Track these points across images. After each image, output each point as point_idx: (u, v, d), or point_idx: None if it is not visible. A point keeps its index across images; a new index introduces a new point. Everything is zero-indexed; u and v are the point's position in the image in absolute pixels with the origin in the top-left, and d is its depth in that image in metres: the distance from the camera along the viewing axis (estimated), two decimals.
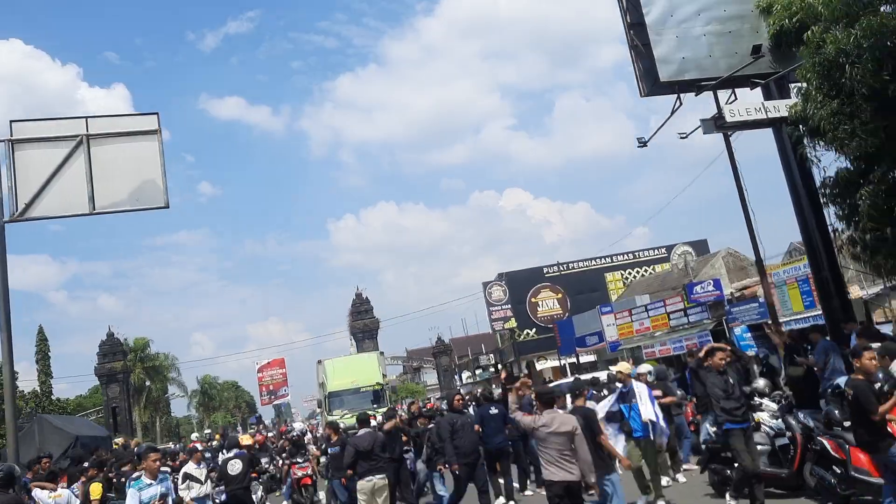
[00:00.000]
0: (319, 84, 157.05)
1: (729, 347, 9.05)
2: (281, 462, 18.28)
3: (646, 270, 54.93)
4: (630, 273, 55.73)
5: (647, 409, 9.02)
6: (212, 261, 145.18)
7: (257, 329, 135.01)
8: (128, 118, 12.89)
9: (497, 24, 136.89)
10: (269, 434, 24.20)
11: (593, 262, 56.67)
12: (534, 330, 53.24)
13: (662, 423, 9.29)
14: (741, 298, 31.20)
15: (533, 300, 54.41)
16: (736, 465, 8.65)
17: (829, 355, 10.67)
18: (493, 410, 10.96)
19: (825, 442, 8.12)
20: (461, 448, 9.88)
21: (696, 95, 14.01)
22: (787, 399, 9.30)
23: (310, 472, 14.03)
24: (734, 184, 15.54)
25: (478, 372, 57.61)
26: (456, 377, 60.76)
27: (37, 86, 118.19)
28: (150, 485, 7.21)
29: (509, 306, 53.43)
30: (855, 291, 23.96)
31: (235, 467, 10.60)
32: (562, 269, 55.31)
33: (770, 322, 15.90)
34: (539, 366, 50.44)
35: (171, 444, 33.12)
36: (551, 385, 21.35)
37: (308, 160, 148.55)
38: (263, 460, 19.23)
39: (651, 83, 13.86)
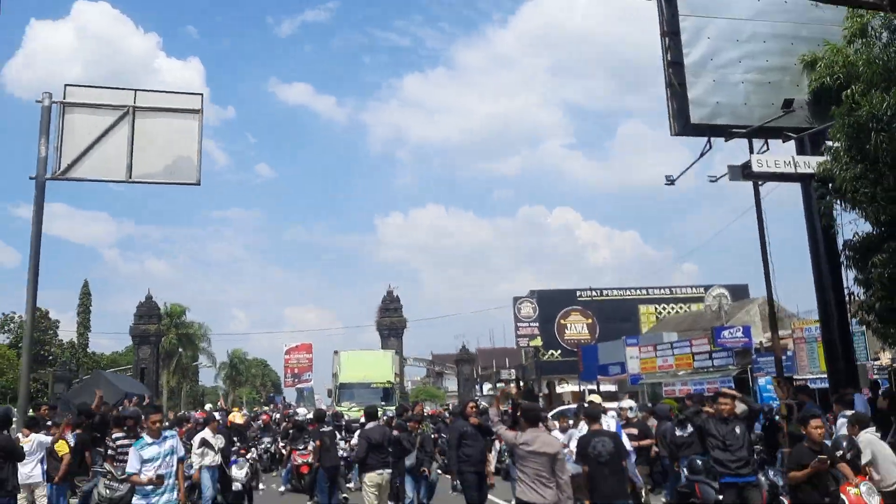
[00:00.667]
0: (387, 80, 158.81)
1: (738, 395, 8.65)
2: (282, 444, 18.61)
3: (681, 308, 54.29)
4: (665, 308, 55.15)
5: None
6: (259, 240, 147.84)
7: (293, 313, 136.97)
8: (173, 95, 13.43)
9: (570, 40, 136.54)
10: (276, 416, 24.73)
11: (628, 292, 56.28)
12: (559, 351, 53.09)
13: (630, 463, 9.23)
14: (770, 349, 30.78)
15: (562, 322, 54.25)
16: None
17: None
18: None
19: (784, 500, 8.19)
20: (471, 456, 9.78)
21: (725, 141, 14.07)
22: (759, 455, 9.32)
23: (310, 459, 13.90)
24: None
25: (499, 385, 57.66)
26: (477, 387, 60.83)
27: (120, 50, 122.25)
28: (152, 444, 7.17)
29: (537, 324, 53.27)
30: (885, 358, 23.47)
31: (218, 442, 11.35)
32: (595, 294, 55.01)
33: (776, 376, 15.75)
34: (559, 388, 50.22)
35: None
36: (565, 408, 21.42)
37: (365, 154, 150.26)
38: (266, 440, 19.79)
39: (682, 123, 13.96)
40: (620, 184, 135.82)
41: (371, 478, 9.48)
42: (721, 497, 9.28)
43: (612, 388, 41.56)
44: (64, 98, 12.53)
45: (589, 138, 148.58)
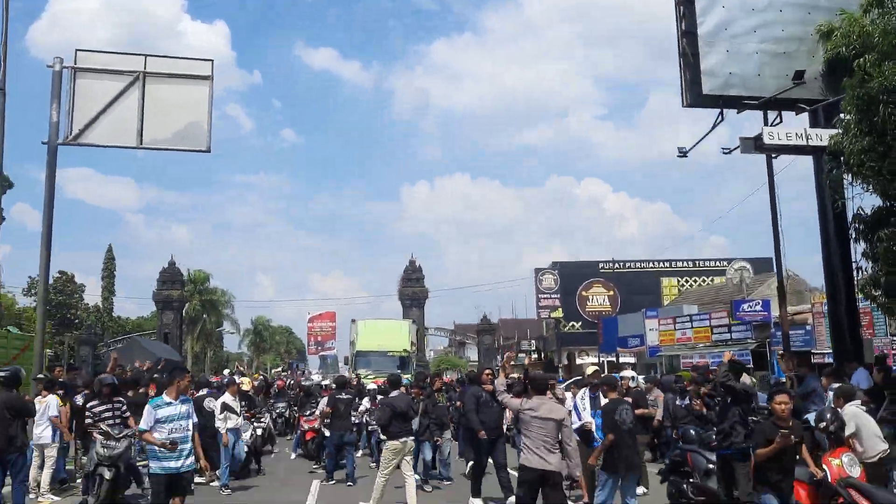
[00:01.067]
0: (414, 46, 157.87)
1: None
2: (295, 410, 18.95)
3: (703, 281, 53.89)
4: (687, 281, 54.79)
5: (590, 418, 9.00)
6: (285, 207, 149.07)
7: (318, 280, 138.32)
8: (184, 61, 13.53)
9: (601, 9, 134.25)
10: (291, 382, 25.16)
11: (650, 265, 55.95)
12: (580, 323, 53.13)
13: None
14: (791, 322, 30.56)
15: (583, 293, 54.18)
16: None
17: (813, 392, 10.62)
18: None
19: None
20: (486, 422, 9.95)
21: (738, 113, 13.89)
22: None
23: (316, 426, 14.22)
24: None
25: (520, 356, 57.94)
26: (498, 357, 61.27)
27: (144, 12, 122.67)
28: (170, 404, 7.05)
29: (558, 296, 53.34)
30: None
31: (210, 405, 11.71)
32: (618, 266, 54.74)
33: (783, 350, 15.72)
34: (579, 360, 50.37)
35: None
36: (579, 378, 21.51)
37: (391, 121, 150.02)
38: (280, 405, 20.24)
39: (695, 94, 13.79)
40: (651, 154, 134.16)
41: (393, 445, 9.67)
42: (712, 466, 9.44)
43: (632, 360, 41.56)
44: (75, 63, 12.70)
45: (620, 108, 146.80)
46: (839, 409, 7.80)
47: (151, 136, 13.03)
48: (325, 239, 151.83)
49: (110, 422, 9.64)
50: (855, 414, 7.70)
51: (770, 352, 28.99)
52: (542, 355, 52.15)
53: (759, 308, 31.35)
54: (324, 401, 14.09)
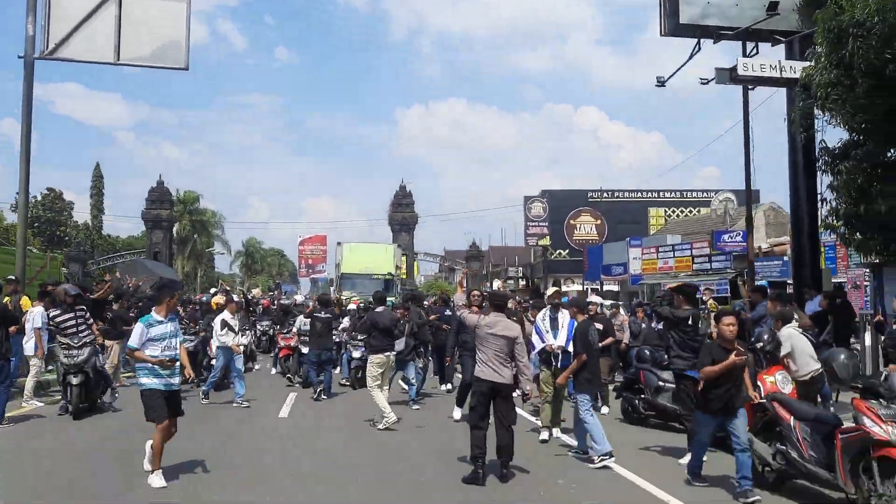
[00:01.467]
0: None
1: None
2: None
3: (690, 211, 54.30)
4: (674, 211, 55.20)
5: (561, 337, 9.03)
6: (279, 128, 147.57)
7: (313, 203, 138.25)
8: None
9: None
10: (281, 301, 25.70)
11: (639, 195, 56.21)
12: (566, 251, 53.69)
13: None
14: (769, 254, 31.11)
15: (571, 222, 54.59)
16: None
17: (764, 317, 11.07)
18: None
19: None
20: (467, 342, 10.12)
21: (714, 43, 13.93)
22: None
23: (293, 343, 14.59)
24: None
25: (508, 282, 58.78)
26: (487, 284, 62.15)
27: None
28: (161, 322, 7.00)
29: (547, 224, 53.80)
30: None
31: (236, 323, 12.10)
32: (606, 195, 55.02)
33: (744, 278, 16.22)
34: (564, 287, 51.15)
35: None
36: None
37: (386, 42, 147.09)
38: (264, 323, 20.86)
39: (673, 23, 13.79)
40: (649, 83, 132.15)
41: (377, 359, 10.18)
42: (662, 384, 10.00)
43: (615, 287, 42.33)
44: None
45: (619, 34, 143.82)
46: (777, 331, 8.28)
47: (129, 53, 13.06)
48: (319, 161, 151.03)
49: (72, 330, 10.06)
50: (790, 335, 8.18)
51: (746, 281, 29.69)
52: (529, 282, 52.97)
53: (739, 239, 31.82)
54: (300, 319, 14.55)
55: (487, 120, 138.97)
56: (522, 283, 54.13)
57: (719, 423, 6.75)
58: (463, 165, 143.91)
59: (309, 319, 13.33)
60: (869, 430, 5.80)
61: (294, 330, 14.72)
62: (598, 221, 54.15)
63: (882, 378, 7.01)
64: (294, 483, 6.96)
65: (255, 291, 26.43)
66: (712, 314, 11.03)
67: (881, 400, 6.05)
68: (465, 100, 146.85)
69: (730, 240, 32.92)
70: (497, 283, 58.91)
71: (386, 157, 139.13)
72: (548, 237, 53.73)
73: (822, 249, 23.38)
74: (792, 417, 6.59)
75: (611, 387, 11.88)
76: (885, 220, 11.81)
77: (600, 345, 9.23)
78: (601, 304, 13.14)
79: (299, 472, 7.42)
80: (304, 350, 13.46)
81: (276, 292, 28.43)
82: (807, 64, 12.86)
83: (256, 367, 16.78)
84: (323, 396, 12.20)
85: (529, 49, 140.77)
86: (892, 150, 12.56)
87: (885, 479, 5.69)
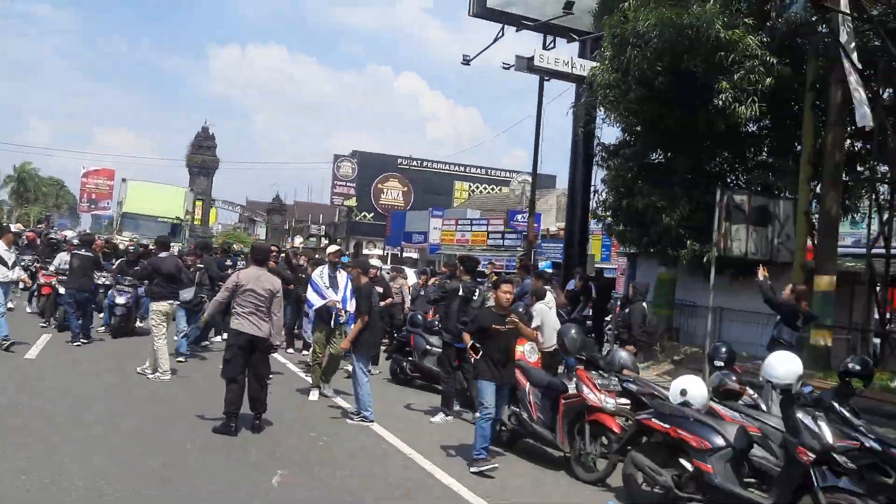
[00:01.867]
0: None
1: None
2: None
3: (493, 189, 56.85)
4: (479, 187, 57.50)
5: (340, 297, 9.17)
6: (72, 46, 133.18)
7: (105, 134, 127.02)
8: None
9: None
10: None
11: (447, 167, 57.87)
12: (372, 214, 54.14)
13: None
14: (556, 236, 33.56)
15: (380, 186, 55.06)
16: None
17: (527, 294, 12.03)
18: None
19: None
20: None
21: (517, 31, 14.66)
22: None
23: (53, 282, 13.49)
24: None
25: (311, 239, 58.22)
26: (289, 239, 61.06)
27: None
28: None
29: (354, 185, 53.87)
30: None
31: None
32: (416, 164, 56.09)
33: (521, 258, 17.46)
34: (366, 250, 51.70)
35: None
36: None
37: None
38: (27, 258, 19.01)
39: (481, 5, 14.34)
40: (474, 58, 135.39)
41: (160, 306, 9.71)
42: (429, 347, 10.52)
43: (415, 255, 43.51)
44: None
45: (449, 6, 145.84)
46: (531, 307, 9.07)
47: None
48: (115, 89, 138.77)
49: None
50: (541, 311, 9.00)
51: (535, 260, 31.84)
52: (331, 241, 52.89)
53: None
54: (61, 256, 13.49)
55: (306, 71, 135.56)
56: (325, 241, 53.93)
57: (498, 388, 6.67)
58: (275, 114, 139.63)
59: (69, 257, 12.39)
60: (586, 396, 6.58)
61: (52, 268, 13.62)
62: (406, 188, 55.13)
63: (605, 353, 7.95)
64: (48, 426, 6.58)
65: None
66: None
67: (601, 371, 6.89)
68: (286, 48, 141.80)
69: (522, 220, 34.95)
70: (298, 240, 58.36)
71: (192, 95, 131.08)
72: (354, 198, 53.86)
73: (601, 237, 25.80)
74: (528, 383, 7.26)
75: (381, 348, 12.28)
76: (641, 215, 13.26)
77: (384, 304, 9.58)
78: (380, 269, 13.52)
79: (53, 416, 6.98)
80: (62, 290, 12.50)
81: (44, 224, 26.04)
82: (595, 64, 13.97)
83: (10, 304, 15.28)
84: (82, 341, 11.42)
85: (358, 4, 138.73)
86: (655, 154, 14.10)
87: (594, 439, 6.52)
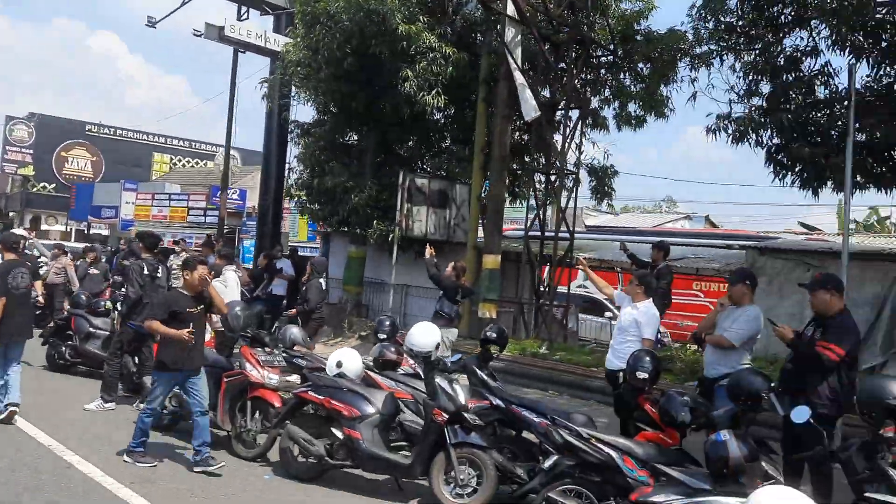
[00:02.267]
0: None
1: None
2: None
3: (197, 163, 53.95)
4: (181, 160, 54.14)
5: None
6: None
7: None
8: None
9: None
10: None
11: (145, 137, 53.63)
12: (53, 185, 48.28)
13: None
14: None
15: (63, 154, 49.28)
16: None
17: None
18: None
19: None
20: None
21: None
22: None
23: None
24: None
25: None
26: None
27: None
28: None
29: (32, 151, 47.57)
30: None
31: None
32: (108, 131, 51.11)
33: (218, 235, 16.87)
34: (47, 226, 46.09)
35: None
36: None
37: None
38: None
39: None
40: (183, 23, 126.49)
41: None
42: (93, 330, 9.68)
43: (105, 231, 39.89)
44: None
45: None
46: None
47: None
48: None
49: None
50: (217, 289, 8.72)
51: (239, 239, 30.96)
52: (3, 215, 46.24)
53: (235, 197, 32.88)
54: None
55: None
56: None
57: (180, 382, 6.26)
58: None
59: None
60: (248, 373, 6.52)
61: None
62: (95, 158, 50.02)
63: (273, 329, 7.97)
64: None
65: None
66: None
67: (266, 348, 6.87)
68: None
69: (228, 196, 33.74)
70: None
71: None
72: (31, 166, 47.52)
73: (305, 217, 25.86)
74: None
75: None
76: (332, 194, 13.48)
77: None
78: (31, 242, 12.12)
79: None
80: None
81: None
82: (288, 40, 13.83)
83: None
84: None
85: None
86: (347, 135, 14.39)
87: (255, 415, 6.48)
